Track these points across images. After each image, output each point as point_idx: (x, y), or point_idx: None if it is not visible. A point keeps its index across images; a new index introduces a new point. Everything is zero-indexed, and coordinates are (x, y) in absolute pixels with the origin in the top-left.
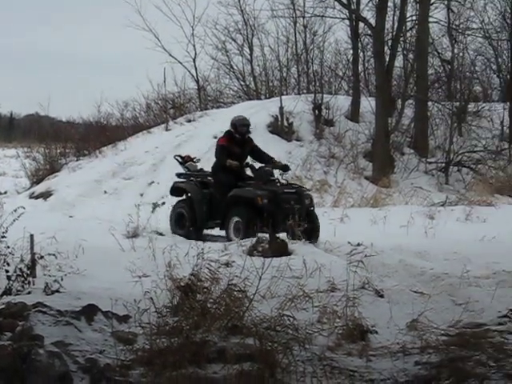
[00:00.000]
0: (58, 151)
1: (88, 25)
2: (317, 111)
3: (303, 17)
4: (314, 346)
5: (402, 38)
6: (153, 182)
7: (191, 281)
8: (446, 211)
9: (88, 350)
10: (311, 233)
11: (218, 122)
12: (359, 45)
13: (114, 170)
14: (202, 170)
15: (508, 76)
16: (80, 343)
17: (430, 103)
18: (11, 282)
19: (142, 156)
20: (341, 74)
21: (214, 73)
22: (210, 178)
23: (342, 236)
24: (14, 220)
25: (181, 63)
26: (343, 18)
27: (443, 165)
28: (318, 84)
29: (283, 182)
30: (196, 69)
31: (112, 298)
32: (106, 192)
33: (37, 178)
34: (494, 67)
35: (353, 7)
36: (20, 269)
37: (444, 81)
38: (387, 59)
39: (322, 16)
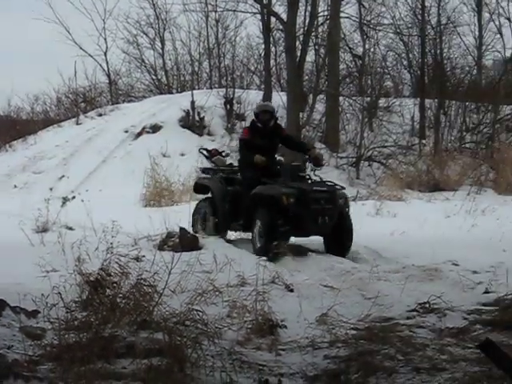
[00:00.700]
0: None
1: None
2: (228, 106)
3: (215, 11)
4: (224, 340)
5: (313, 33)
6: (63, 176)
7: (100, 275)
8: (356, 206)
9: None
10: (341, 240)
11: (129, 116)
12: (271, 39)
13: (24, 163)
14: (231, 164)
15: (419, 72)
16: None
17: (341, 98)
18: None
19: (53, 150)
20: (252, 68)
21: (126, 67)
22: (238, 175)
23: None
24: None
25: (92, 57)
26: (255, 13)
27: (354, 160)
28: (229, 78)
29: (315, 178)
30: (107, 62)
31: (20, 293)
32: (15, 186)
33: None
34: (405, 63)
35: (264, 2)
36: None
37: (355, 76)
38: (299, 54)
39: (234, 10)
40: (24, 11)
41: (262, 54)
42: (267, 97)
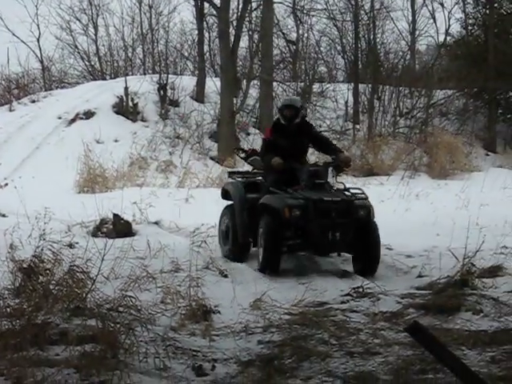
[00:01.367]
0: None
1: None
2: (162, 91)
3: None
4: (158, 326)
5: (246, 19)
6: None
7: (33, 262)
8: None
9: None
10: (365, 258)
11: (63, 102)
12: (204, 25)
13: None
14: None
15: (352, 57)
16: None
17: (275, 84)
18: None
19: None
20: (186, 54)
21: (59, 53)
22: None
23: (186, 217)
24: None
25: (24, 43)
26: None
27: None
28: (163, 64)
29: (338, 185)
30: (40, 49)
31: None
32: None
33: None
34: (339, 48)
35: None
36: None
37: (289, 61)
38: (232, 40)
39: None
40: None
41: (196, 40)
42: (201, 82)
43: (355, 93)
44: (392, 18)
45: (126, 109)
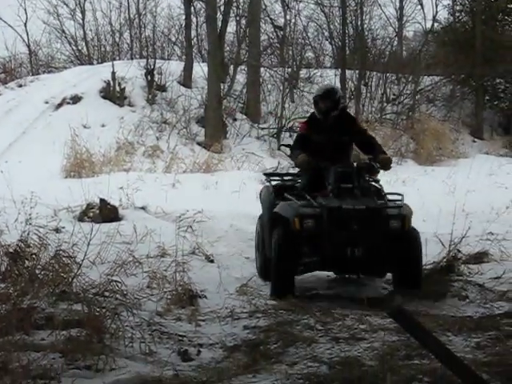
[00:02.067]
0: None
1: None
2: (149, 76)
3: None
4: (143, 311)
5: (234, 4)
6: None
7: (19, 247)
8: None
9: None
10: (406, 273)
11: (50, 86)
12: (192, 10)
13: None
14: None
15: (340, 43)
16: None
17: (262, 69)
18: None
19: None
20: (173, 39)
21: (46, 37)
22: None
23: (173, 202)
24: None
25: (12, 27)
26: None
27: (275, 130)
28: (150, 49)
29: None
30: (27, 33)
31: None
32: None
33: None
34: (326, 34)
35: None
36: None
37: (276, 47)
38: (219, 25)
39: None
40: None
41: (183, 25)
42: (188, 67)
43: (342, 79)
44: (379, 4)
45: (113, 94)
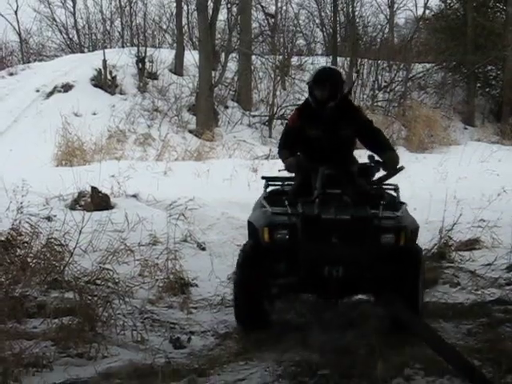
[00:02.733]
0: None
1: None
2: (140, 64)
3: None
4: (135, 299)
5: None
6: None
7: (11, 235)
8: (269, 164)
9: None
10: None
11: (41, 75)
12: None
13: None
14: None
15: (331, 30)
16: None
17: (253, 57)
18: None
19: None
20: (164, 27)
21: (37, 25)
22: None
23: (165, 189)
24: None
25: (2, 15)
26: None
27: (267, 118)
28: (141, 37)
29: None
30: (18, 21)
31: None
32: None
33: None
34: (318, 21)
35: None
36: None
37: (268, 34)
38: (210, 12)
39: None
40: None
41: (174, 13)
42: (179, 55)
43: (333, 66)
44: None
45: (105, 82)
